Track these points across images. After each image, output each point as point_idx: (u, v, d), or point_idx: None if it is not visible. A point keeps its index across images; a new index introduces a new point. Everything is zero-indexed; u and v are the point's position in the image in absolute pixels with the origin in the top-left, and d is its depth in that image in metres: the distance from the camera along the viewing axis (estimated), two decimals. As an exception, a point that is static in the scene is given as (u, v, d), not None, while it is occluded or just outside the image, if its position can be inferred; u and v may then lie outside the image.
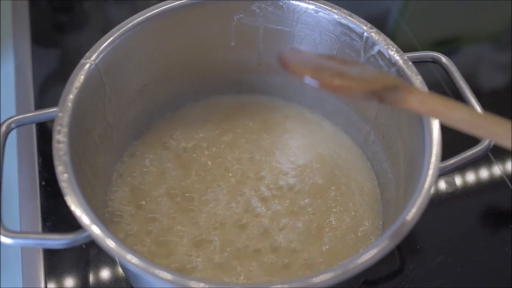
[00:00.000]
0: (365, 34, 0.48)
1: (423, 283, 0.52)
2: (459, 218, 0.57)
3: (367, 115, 0.53)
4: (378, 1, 0.80)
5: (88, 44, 0.47)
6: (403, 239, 0.38)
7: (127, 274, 0.49)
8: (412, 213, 0.38)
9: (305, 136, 0.57)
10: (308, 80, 0.39)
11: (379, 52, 0.48)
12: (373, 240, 0.50)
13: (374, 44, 0.48)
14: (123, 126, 0.52)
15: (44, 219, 0.54)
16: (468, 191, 0.59)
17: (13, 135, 0.59)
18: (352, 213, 0.51)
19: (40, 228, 0.53)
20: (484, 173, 0.60)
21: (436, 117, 0.38)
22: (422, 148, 0.42)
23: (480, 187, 0.60)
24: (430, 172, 0.40)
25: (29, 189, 0.56)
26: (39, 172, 0.57)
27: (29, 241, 0.40)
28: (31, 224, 0.54)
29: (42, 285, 0.50)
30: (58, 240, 0.39)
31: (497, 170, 0.61)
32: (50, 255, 0.52)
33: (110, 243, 0.37)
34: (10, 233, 0.39)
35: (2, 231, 0.39)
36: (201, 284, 0.35)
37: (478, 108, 0.46)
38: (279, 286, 0.35)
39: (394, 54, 0.47)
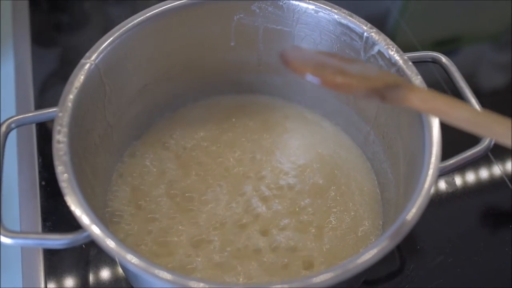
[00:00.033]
0: (365, 34, 0.48)
1: (423, 283, 0.52)
2: (459, 218, 0.57)
3: (367, 115, 0.53)
4: (378, 1, 0.80)
5: (88, 44, 0.47)
6: (403, 239, 0.38)
7: (127, 274, 0.49)
8: (412, 213, 0.38)
9: (305, 136, 0.57)
10: (310, 77, 0.39)
11: (379, 52, 0.48)
12: (373, 240, 0.50)
13: (374, 44, 0.48)
14: (123, 126, 0.52)
15: (44, 219, 0.54)
16: (468, 191, 0.59)
17: (13, 135, 0.59)
18: (352, 213, 0.51)
19: (40, 228, 0.53)
20: (484, 173, 0.60)
21: (437, 115, 0.38)
22: (422, 148, 0.42)
23: (480, 187, 0.60)
24: (430, 172, 0.40)
25: (29, 189, 0.56)
26: (39, 172, 0.57)
27: (29, 241, 0.40)
28: (31, 224, 0.54)
29: (42, 285, 0.50)
30: (58, 240, 0.39)
31: (497, 170, 0.61)
32: (50, 255, 0.52)
33: (110, 243, 0.37)
34: (10, 233, 0.39)
35: (2, 231, 0.39)
36: (201, 284, 0.35)
37: (478, 108, 0.46)
38: (279, 286, 0.35)
39: (394, 54, 0.47)
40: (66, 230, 0.39)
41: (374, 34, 0.48)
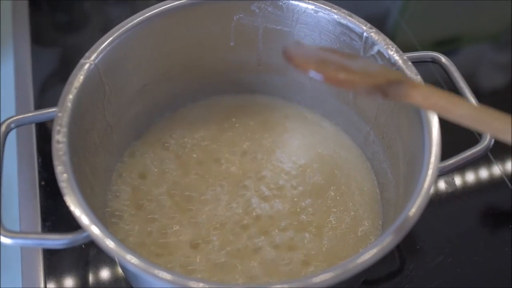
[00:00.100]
0: (364, 34, 0.48)
1: (423, 283, 0.52)
2: (459, 218, 0.57)
3: (367, 115, 0.53)
4: (378, 1, 0.80)
5: (88, 44, 0.47)
6: (402, 239, 0.38)
7: (127, 274, 0.49)
8: (412, 213, 0.38)
9: (305, 136, 0.57)
10: (313, 74, 0.39)
11: (379, 52, 0.48)
12: (373, 240, 0.50)
13: (373, 44, 0.48)
14: (122, 126, 0.52)
15: (44, 219, 0.54)
16: (467, 191, 0.59)
17: (12, 135, 0.59)
18: (352, 213, 0.51)
19: (39, 228, 0.53)
20: (483, 173, 0.60)
21: (439, 112, 0.38)
22: (421, 148, 0.42)
23: (480, 187, 0.60)
24: (430, 172, 0.40)
25: (28, 189, 0.56)
26: (39, 172, 0.57)
27: (28, 241, 0.40)
28: (31, 224, 0.54)
29: (42, 285, 0.50)
30: (57, 240, 0.39)
31: (496, 170, 0.61)
32: (50, 255, 0.52)
33: (109, 243, 0.37)
34: (9, 233, 0.39)
35: (1, 231, 0.39)
36: (201, 284, 0.35)
37: (478, 107, 0.46)
38: (279, 286, 0.35)
39: (394, 54, 0.47)
40: (66, 230, 0.39)
41: (373, 34, 0.48)
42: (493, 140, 0.45)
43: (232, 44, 0.55)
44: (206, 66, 0.57)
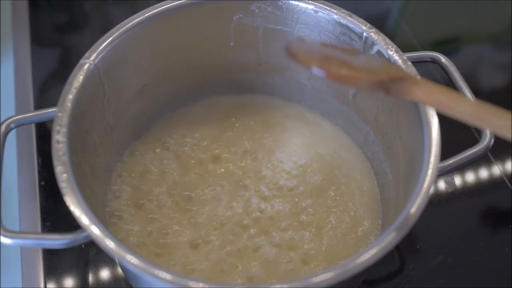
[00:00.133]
0: (364, 34, 0.48)
1: (423, 283, 0.52)
2: (459, 218, 0.57)
3: (367, 115, 0.53)
4: (378, 1, 0.80)
5: (88, 44, 0.47)
6: (402, 239, 0.38)
7: (127, 274, 0.49)
8: (412, 213, 0.38)
9: (305, 136, 0.57)
10: (316, 70, 0.39)
11: (379, 52, 0.48)
12: (373, 239, 0.50)
13: (373, 44, 0.48)
14: (122, 126, 0.52)
15: (44, 219, 0.54)
16: (467, 191, 0.59)
17: (12, 135, 0.59)
18: (352, 213, 0.51)
19: (39, 228, 0.53)
20: (483, 173, 0.60)
21: (441, 108, 0.38)
22: (421, 148, 0.42)
23: (480, 187, 0.60)
24: (429, 172, 0.40)
25: (28, 189, 0.56)
26: (39, 172, 0.57)
27: (28, 241, 0.40)
28: (31, 224, 0.54)
29: (42, 285, 0.50)
30: (57, 240, 0.39)
31: (496, 170, 0.61)
32: (50, 255, 0.52)
33: (109, 243, 0.37)
34: (9, 233, 0.39)
35: (1, 231, 0.39)
36: (201, 284, 0.35)
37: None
38: (279, 286, 0.35)
39: (393, 54, 0.47)
40: (66, 230, 0.39)
41: (373, 34, 0.48)
42: (493, 140, 0.45)
43: (232, 44, 0.55)
44: (206, 66, 0.57)
